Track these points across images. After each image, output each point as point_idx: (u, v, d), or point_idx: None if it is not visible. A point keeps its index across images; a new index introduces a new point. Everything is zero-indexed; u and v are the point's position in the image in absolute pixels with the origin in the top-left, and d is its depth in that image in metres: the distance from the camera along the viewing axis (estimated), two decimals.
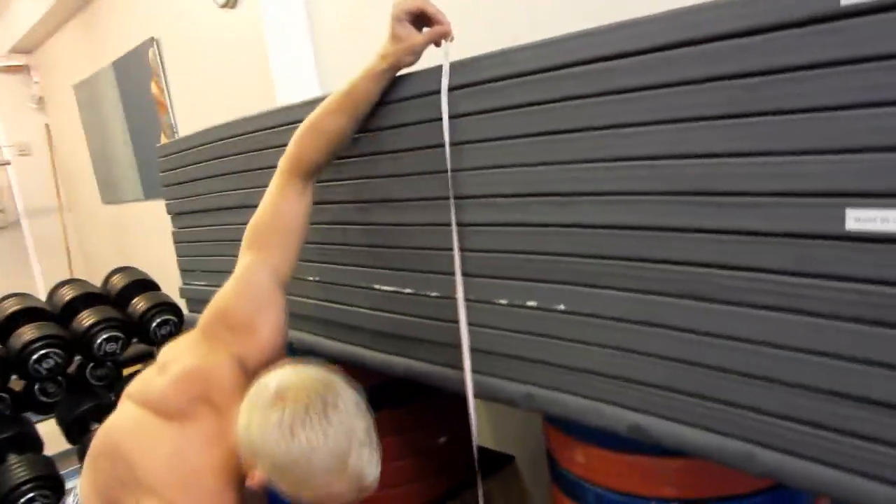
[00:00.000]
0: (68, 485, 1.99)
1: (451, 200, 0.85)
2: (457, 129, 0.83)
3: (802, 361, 0.55)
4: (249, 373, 0.80)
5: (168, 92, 3.00)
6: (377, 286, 1.03)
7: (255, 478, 0.73)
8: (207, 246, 1.45)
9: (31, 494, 1.88)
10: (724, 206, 0.58)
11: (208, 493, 0.75)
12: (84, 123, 4.05)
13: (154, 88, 3.08)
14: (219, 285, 1.48)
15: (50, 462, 2.06)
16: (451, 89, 0.83)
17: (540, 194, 0.75)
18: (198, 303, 1.58)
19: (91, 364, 2.28)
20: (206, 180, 1.38)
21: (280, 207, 0.91)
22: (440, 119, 0.84)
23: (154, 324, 2.28)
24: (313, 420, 0.70)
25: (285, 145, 1.04)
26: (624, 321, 0.71)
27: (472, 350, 0.88)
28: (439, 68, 0.83)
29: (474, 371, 0.89)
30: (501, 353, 0.86)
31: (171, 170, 1.52)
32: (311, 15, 2.00)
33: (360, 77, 0.89)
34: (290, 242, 0.91)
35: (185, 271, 1.61)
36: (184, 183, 1.47)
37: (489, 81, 0.78)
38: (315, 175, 0.93)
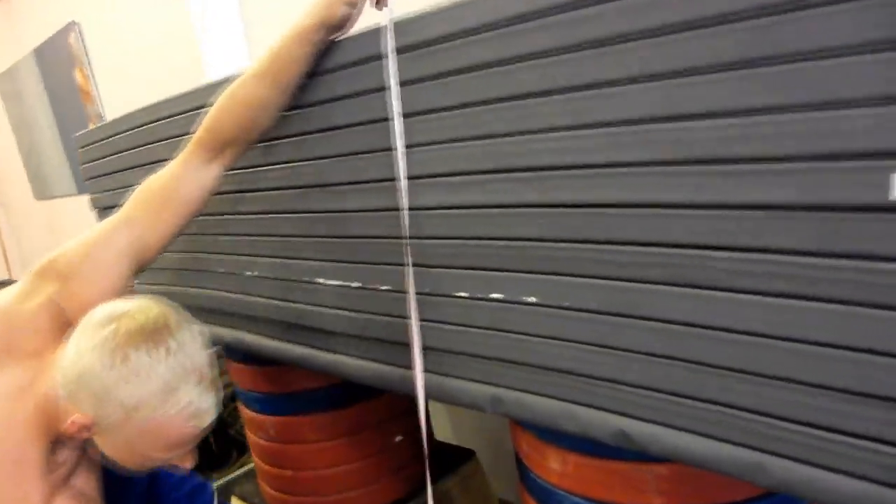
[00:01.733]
0: None
1: (401, 181, 0.74)
2: (403, 99, 0.72)
3: (825, 358, 0.46)
4: (69, 323, 0.72)
5: (94, 79, 2.79)
6: (321, 280, 0.92)
7: (76, 423, 0.67)
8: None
9: None
10: (730, 175, 0.48)
11: (11, 446, 0.70)
12: (10, 116, 3.78)
13: (78, 76, 2.86)
14: (155, 282, 1.36)
15: None
16: (395, 51, 0.72)
17: (504, 170, 0.65)
18: None
19: None
20: (135, 170, 1.23)
21: (174, 175, 0.82)
22: (384, 88, 0.73)
23: None
24: (148, 343, 0.66)
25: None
26: (606, 314, 0.61)
27: (429, 349, 0.78)
28: (381, 29, 0.72)
29: (432, 372, 0.79)
30: (463, 352, 0.75)
31: (94, 161, 1.36)
32: None
33: (285, 38, 0.77)
34: (170, 214, 0.81)
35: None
36: (110, 174, 1.32)
37: (441, 40, 0.67)
38: (227, 151, 0.82)
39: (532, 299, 0.67)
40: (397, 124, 0.73)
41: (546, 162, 0.62)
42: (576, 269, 0.63)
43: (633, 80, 0.53)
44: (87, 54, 2.76)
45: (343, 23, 0.76)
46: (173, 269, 1.22)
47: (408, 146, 0.74)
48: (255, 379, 1.19)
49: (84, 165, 1.40)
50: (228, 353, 1.24)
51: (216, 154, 0.82)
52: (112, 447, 0.71)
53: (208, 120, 0.82)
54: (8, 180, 4.15)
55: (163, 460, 0.72)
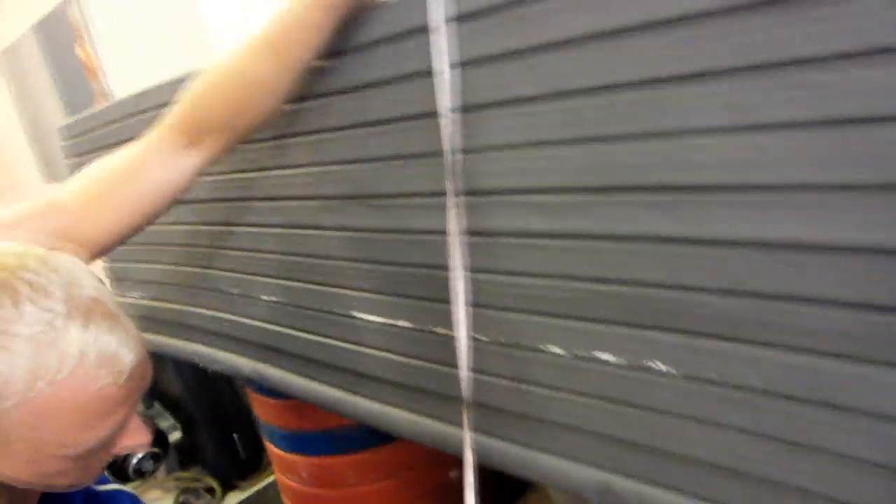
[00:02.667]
0: None
1: (455, 197, 0.55)
2: (468, 85, 0.52)
3: None
4: None
5: (97, 54, 2.60)
6: (359, 315, 0.73)
7: None
8: (139, 251, 1.13)
9: None
10: None
11: None
12: (14, 97, 3.61)
13: (80, 52, 2.67)
14: (158, 298, 1.19)
15: None
16: (451, 20, 0.51)
17: (622, 188, 0.45)
18: (134, 320, 1.26)
19: None
20: None
21: (137, 158, 0.61)
22: (430, 73, 0.53)
23: None
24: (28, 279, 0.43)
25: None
26: (779, 396, 0.42)
27: (507, 412, 0.60)
28: None
29: (511, 441, 0.61)
30: (557, 422, 0.57)
31: (81, 155, 1.18)
32: None
33: (299, 4, 0.57)
34: (121, 206, 0.60)
35: (115, 280, 1.29)
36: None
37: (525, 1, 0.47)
38: (209, 139, 0.62)
39: (659, 366, 0.48)
40: (447, 119, 0.54)
41: (692, 179, 0.41)
42: (731, 331, 0.43)
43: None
44: (89, 28, 2.56)
45: None
46: (174, 283, 1.05)
47: (472, 150, 0.54)
48: (281, 413, 1.02)
49: (70, 159, 1.21)
50: (249, 383, 1.07)
51: (193, 141, 0.61)
52: (12, 463, 0.46)
53: (188, 96, 0.62)
54: (13, 165, 4.02)
55: (98, 444, 0.47)
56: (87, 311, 0.44)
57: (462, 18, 0.51)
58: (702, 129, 0.39)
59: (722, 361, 0.44)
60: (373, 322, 0.71)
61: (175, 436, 2.03)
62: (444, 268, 0.60)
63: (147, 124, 0.94)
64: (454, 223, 0.57)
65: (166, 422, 2.06)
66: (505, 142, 0.51)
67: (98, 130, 1.11)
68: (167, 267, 1.06)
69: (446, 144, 0.55)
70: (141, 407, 0.51)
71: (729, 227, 0.41)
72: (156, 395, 2.08)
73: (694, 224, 0.42)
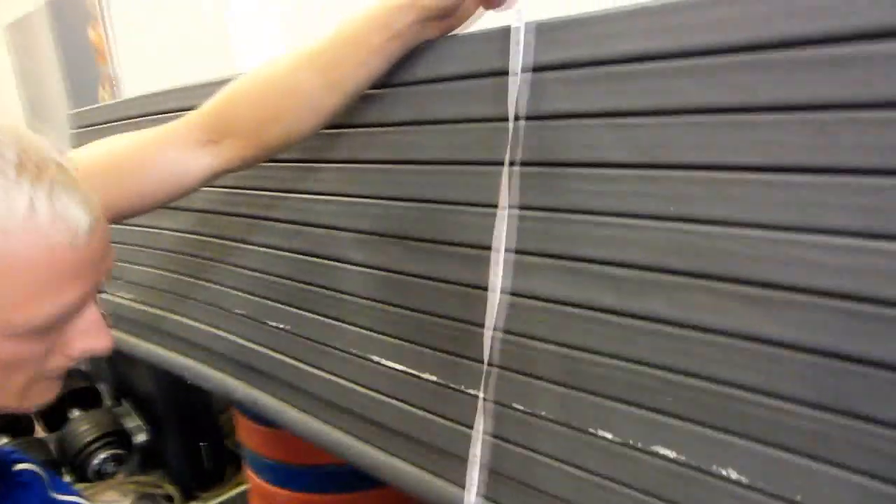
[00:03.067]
0: None
1: (505, 254, 0.50)
2: (538, 138, 0.48)
3: None
4: None
5: (108, 38, 2.54)
6: (376, 359, 0.68)
7: None
8: (134, 252, 1.07)
9: None
10: None
11: None
12: (15, 71, 3.53)
13: (91, 34, 2.62)
14: (150, 303, 1.13)
15: None
16: (529, 70, 0.48)
17: (705, 275, 0.41)
18: (122, 320, 1.19)
19: None
20: None
21: (152, 143, 0.57)
22: (505, 120, 0.49)
23: None
24: None
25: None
26: None
27: (542, 492, 0.55)
28: (512, 32, 0.48)
29: None
30: None
31: (88, 127, 1.12)
32: None
33: (356, 17, 0.53)
34: (126, 190, 0.56)
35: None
36: None
37: (615, 60, 0.43)
38: (228, 142, 0.57)
39: (730, 473, 0.43)
40: (510, 171, 0.50)
41: (805, 281, 0.37)
42: (822, 449, 0.39)
43: None
44: (101, 10, 2.51)
45: (448, 9, 0.52)
46: (170, 291, 0.99)
47: (536, 207, 0.50)
48: (269, 442, 0.96)
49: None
50: (239, 406, 1.01)
51: (214, 139, 0.57)
52: None
53: (219, 95, 0.58)
54: None
55: (48, 321, 0.41)
56: (42, 169, 0.40)
57: (547, 68, 0.47)
58: (826, 228, 0.35)
59: (807, 479, 0.40)
60: (393, 369, 0.66)
61: (140, 437, 1.94)
62: (481, 325, 0.56)
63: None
64: (499, 280, 0.52)
65: (133, 422, 1.98)
66: (581, 206, 0.47)
67: (107, 124, 1.05)
68: (166, 273, 1.00)
69: (504, 199, 0.51)
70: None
71: (840, 339, 0.36)
72: (125, 392, 2.00)
73: (799, 328, 0.38)
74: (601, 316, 0.47)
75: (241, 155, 0.58)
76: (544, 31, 0.47)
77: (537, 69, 0.48)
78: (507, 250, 0.52)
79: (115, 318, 1.22)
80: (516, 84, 0.48)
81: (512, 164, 0.50)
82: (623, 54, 0.43)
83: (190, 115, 0.58)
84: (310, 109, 0.56)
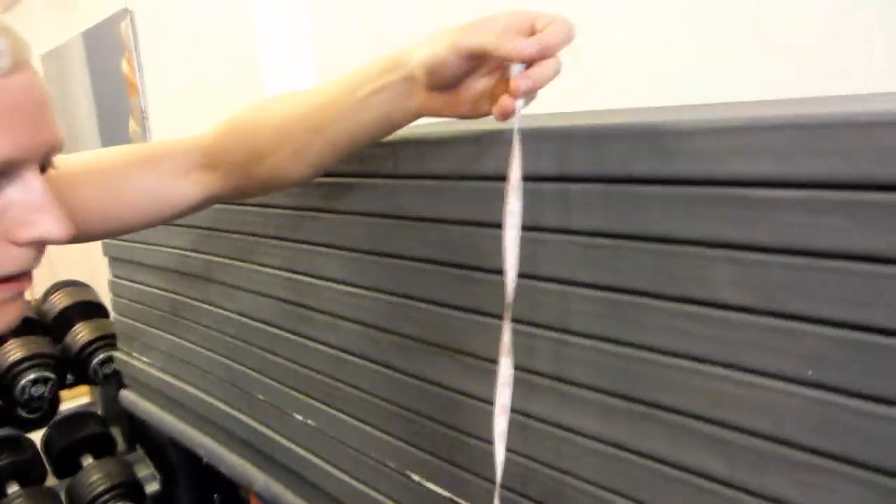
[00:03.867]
0: None
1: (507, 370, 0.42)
2: (529, 250, 0.40)
3: None
4: None
5: (140, 71, 2.53)
6: (413, 476, 0.59)
7: None
8: (154, 315, 1.01)
9: None
10: None
11: None
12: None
13: (125, 66, 2.61)
14: (167, 371, 1.06)
15: None
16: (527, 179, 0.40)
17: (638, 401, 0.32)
18: (138, 383, 1.13)
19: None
20: (159, 228, 0.93)
21: (148, 150, 0.55)
22: (498, 226, 0.41)
23: (95, 360, 1.83)
24: None
25: (270, 205, 0.70)
26: None
27: None
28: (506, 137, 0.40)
29: None
30: None
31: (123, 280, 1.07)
32: None
33: (349, 77, 0.48)
34: (108, 203, 0.53)
35: (122, 336, 1.16)
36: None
37: (632, 179, 0.35)
38: (221, 171, 0.55)
39: None
40: (510, 283, 0.42)
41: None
42: None
43: None
44: (136, 44, 2.50)
45: (440, 81, 0.44)
46: (192, 363, 0.92)
47: (535, 323, 0.42)
48: None
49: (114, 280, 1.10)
50: (258, 496, 0.93)
51: (212, 163, 0.54)
52: None
53: (219, 124, 0.55)
54: None
55: None
56: None
57: (537, 178, 0.39)
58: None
59: None
60: (420, 485, 0.58)
61: (153, 487, 1.87)
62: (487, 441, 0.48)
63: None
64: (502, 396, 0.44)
65: (146, 470, 1.91)
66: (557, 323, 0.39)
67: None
68: (188, 344, 0.93)
69: (509, 310, 0.43)
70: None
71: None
72: (139, 437, 1.93)
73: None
74: (576, 439, 0.39)
75: (234, 185, 0.55)
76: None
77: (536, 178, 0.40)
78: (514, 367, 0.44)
79: (132, 380, 1.15)
80: (513, 199, 0.40)
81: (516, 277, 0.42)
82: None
83: (189, 140, 0.56)
84: (293, 152, 0.51)
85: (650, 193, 0.39)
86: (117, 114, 2.73)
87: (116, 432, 1.96)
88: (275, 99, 0.53)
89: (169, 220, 0.56)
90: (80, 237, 0.50)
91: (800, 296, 0.34)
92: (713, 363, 0.38)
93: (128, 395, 1.17)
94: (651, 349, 0.41)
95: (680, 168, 0.37)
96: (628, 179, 0.40)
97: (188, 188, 0.54)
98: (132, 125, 2.70)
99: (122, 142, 2.76)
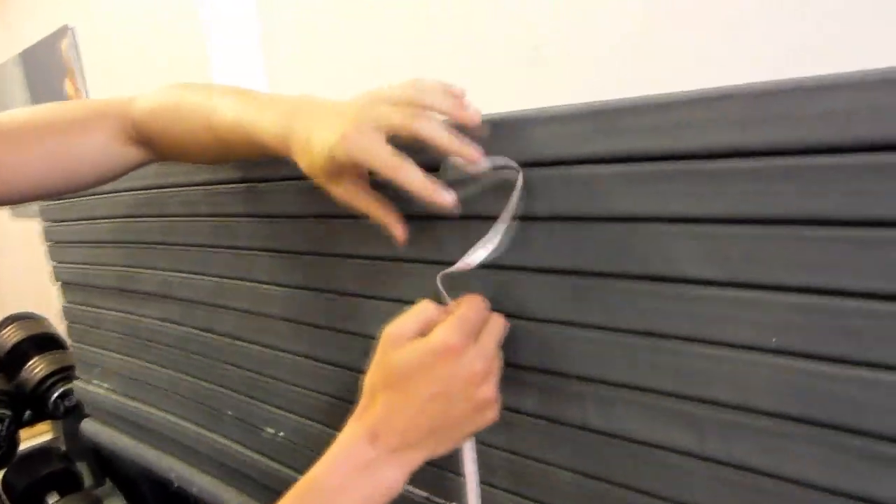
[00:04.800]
0: None
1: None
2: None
3: None
4: None
5: (87, 93, 2.46)
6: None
7: None
8: (112, 339, 0.98)
9: None
10: None
11: None
12: None
13: (69, 87, 2.53)
14: (130, 395, 1.02)
15: None
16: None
17: None
18: (100, 411, 1.09)
19: None
20: (110, 247, 0.90)
21: (81, 114, 0.56)
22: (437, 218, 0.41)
23: (55, 394, 1.77)
24: None
25: (224, 215, 0.68)
26: None
27: None
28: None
29: None
30: None
31: (60, 222, 1.03)
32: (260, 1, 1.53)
33: (245, 134, 0.49)
34: (43, 154, 0.54)
35: (80, 363, 1.12)
36: (76, 244, 0.99)
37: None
38: (151, 145, 0.57)
39: None
40: None
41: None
42: None
43: None
44: (80, 64, 2.43)
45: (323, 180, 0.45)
46: (155, 385, 0.89)
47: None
48: None
49: (49, 223, 1.06)
50: None
51: (137, 139, 0.57)
52: None
53: (155, 96, 0.56)
54: None
55: None
56: None
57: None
58: None
59: None
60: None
61: None
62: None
63: (132, 206, 0.82)
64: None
65: (118, 503, 1.85)
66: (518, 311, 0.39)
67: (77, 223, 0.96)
68: (148, 364, 0.90)
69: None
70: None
71: None
72: (107, 470, 1.87)
73: None
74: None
75: (160, 159, 0.59)
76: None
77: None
78: None
79: (94, 408, 1.11)
80: None
81: None
82: None
83: (121, 106, 0.57)
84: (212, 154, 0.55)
85: (605, 173, 0.39)
86: None
87: (83, 467, 1.89)
88: (201, 90, 0.54)
89: (91, 186, 0.58)
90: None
91: (759, 265, 0.34)
92: (679, 338, 0.38)
93: (91, 425, 1.13)
94: (616, 329, 0.40)
95: (634, 146, 0.37)
96: (584, 160, 0.40)
97: (115, 157, 0.56)
98: None
99: None
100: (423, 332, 0.42)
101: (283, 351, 0.67)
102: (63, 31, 2.42)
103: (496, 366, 0.42)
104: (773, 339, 0.34)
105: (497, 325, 0.43)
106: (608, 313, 0.41)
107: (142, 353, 0.91)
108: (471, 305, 0.42)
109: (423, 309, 0.43)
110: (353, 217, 0.52)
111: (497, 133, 0.43)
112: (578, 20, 0.82)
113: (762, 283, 0.34)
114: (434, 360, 0.40)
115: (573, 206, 0.41)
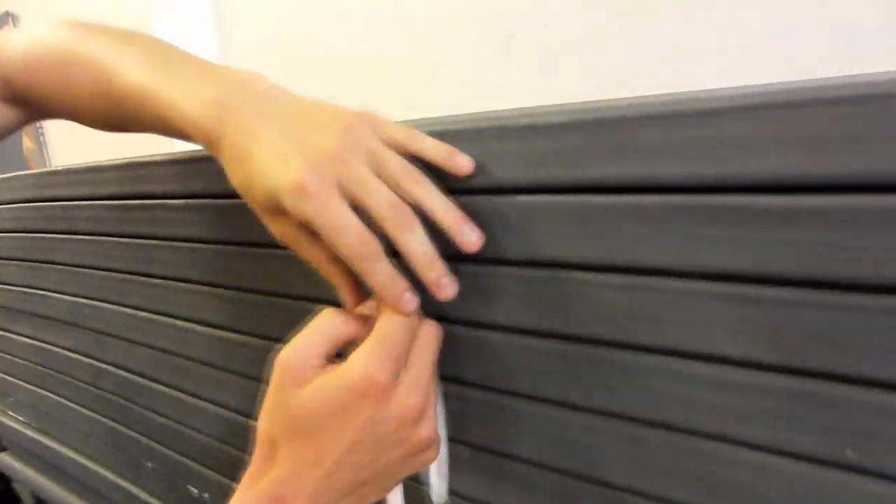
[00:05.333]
0: None
1: None
2: None
3: None
4: None
5: None
6: None
7: None
8: (24, 367, 0.85)
9: None
10: None
11: None
12: None
13: None
14: (44, 431, 0.90)
15: None
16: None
17: None
18: (15, 444, 0.96)
19: None
20: (14, 265, 0.78)
21: None
22: None
23: None
24: None
25: (135, 236, 0.57)
26: None
27: None
28: None
29: None
30: None
31: None
32: None
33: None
34: None
35: None
36: None
37: None
38: (30, 106, 0.45)
39: None
40: None
41: None
42: None
43: None
44: None
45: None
46: (72, 425, 0.77)
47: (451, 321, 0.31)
48: None
49: None
50: None
51: (10, 99, 0.44)
52: None
53: (31, 47, 0.42)
54: None
55: None
56: None
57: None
58: None
59: None
60: None
61: None
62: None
63: (41, 220, 0.70)
64: None
65: None
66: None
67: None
68: (65, 401, 0.78)
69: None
70: None
71: None
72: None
73: None
74: None
75: (34, 120, 0.48)
76: None
77: None
78: None
79: (10, 441, 0.99)
80: None
81: None
82: None
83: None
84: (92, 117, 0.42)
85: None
86: (9, 138, 2.48)
87: (20, 488, 1.75)
88: (101, 36, 0.40)
89: None
90: None
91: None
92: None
93: (7, 459, 1.00)
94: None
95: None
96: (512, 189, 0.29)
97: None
98: (26, 142, 2.47)
99: (15, 163, 2.51)
100: (331, 354, 0.31)
101: (206, 401, 0.55)
102: (4, 18, 2.26)
103: (433, 393, 0.32)
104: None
105: (430, 338, 0.33)
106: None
107: (55, 386, 0.79)
108: (393, 319, 0.31)
109: (328, 322, 0.31)
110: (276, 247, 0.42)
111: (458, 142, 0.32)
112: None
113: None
114: (353, 400, 0.29)
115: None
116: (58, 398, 0.79)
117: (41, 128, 2.34)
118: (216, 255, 0.49)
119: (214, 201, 0.47)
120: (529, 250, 0.31)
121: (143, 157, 0.52)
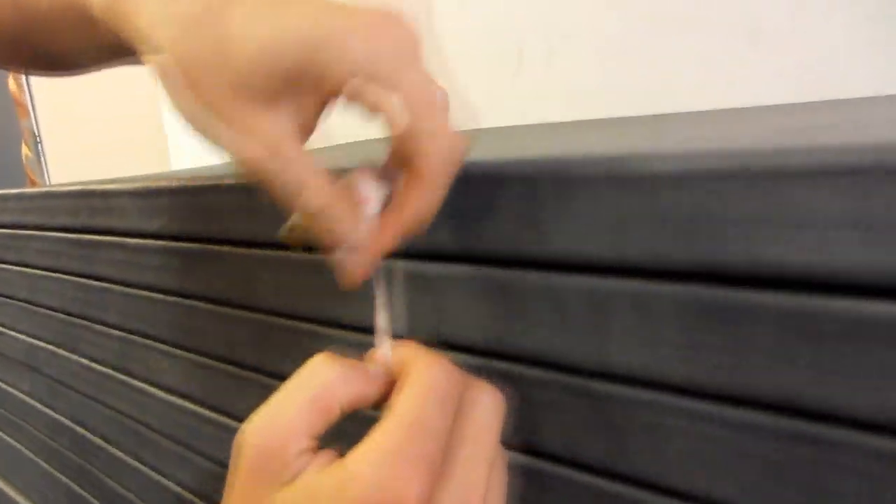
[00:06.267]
0: None
1: None
2: None
3: None
4: None
5: (29, 90, 2.25)
6: None
7: None
8: None
9: None
10: None
11: None
12: None
13: (12, 84, 2.31)
14: (7, 479, 0.80)
15: None
16: None
17: None
18: None
19: None
20: None
21: None
22: None
23: None
24: None
25: (91, 276, 0.50)
26: None
27: None
28: None
29: None
30: None
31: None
32: None
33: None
34: None
35: None
36: None
37: None
38: None
39: None
40: None
41: None
42: None
43: None
44: None
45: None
46: (31, 475, 0.68)
47: None
48: None
49: None
50: None
51: None
52: None
53: None
54: None
55: None
56: None
57: None
58: None
59: None
60: None
61: None
62: None
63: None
64: None
65: None
66: None
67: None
68: (23, 449, 0.69)
69: None
70: None
71: None
72: None
73: None
74: None
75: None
76: None
77: None
78: None
79: None
80: None
81: None
82: None
83: None
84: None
85: None
86: (6, 138, 2.41)
87: None
88: None
89: None
90: None
91: None
92: None
93: None
94: None
95: None
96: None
97: None
98: (25, 150, 2.40)
99: (13, 171, 2.45)
100: (320, 433, 0.20)
101: (168, 478, 0.46)
102: None
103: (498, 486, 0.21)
104: None
105: (487, 415, 0.20)
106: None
107: (11, 429, 0.70)
108: (425, 382, 0.20)
109: (317, 377, 0.20)
110: (275, 313, 0.33)
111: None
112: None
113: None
114: None
115: None
116: (13, 443, 0.70)
117: (38, 135, 2.28)
118: (179, 310, 0.40)
119: (178, 244, 0.38)
120: None
121: (100, 182, 0.43)
